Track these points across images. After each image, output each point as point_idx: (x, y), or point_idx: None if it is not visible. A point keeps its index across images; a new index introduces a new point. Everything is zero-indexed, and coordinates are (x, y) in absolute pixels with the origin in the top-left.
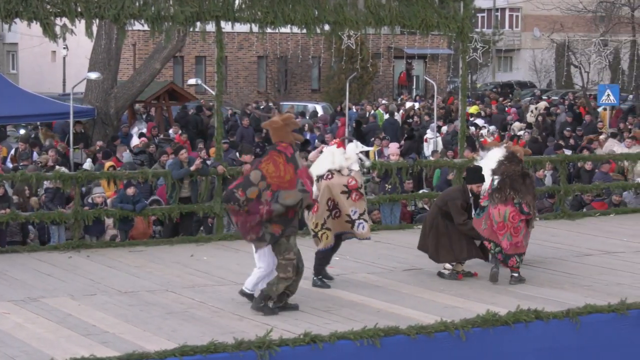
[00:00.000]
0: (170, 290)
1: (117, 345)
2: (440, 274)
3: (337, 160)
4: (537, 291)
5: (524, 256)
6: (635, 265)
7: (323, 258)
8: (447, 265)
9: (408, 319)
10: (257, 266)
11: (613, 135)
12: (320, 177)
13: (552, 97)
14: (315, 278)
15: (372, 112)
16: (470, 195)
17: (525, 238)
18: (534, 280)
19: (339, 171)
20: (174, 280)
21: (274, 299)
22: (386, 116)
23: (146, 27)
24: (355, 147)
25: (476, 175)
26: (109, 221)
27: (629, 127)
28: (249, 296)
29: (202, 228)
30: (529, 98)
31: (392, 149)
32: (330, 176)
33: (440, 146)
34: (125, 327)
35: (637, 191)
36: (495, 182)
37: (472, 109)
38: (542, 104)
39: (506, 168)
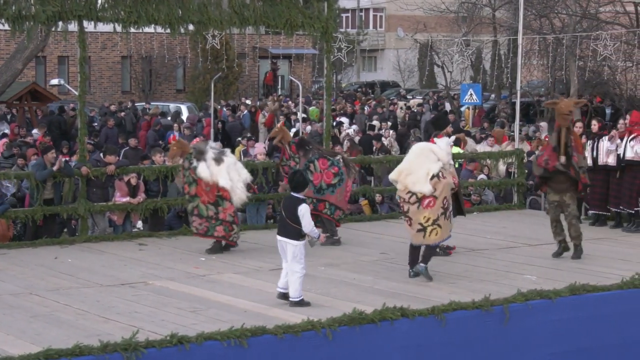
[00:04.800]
0: (34, 293)
1: None
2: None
3: (443, 157)
4: (403, 288)
5: None
6: (498, 262)
7: (433, 251)
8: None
9: (275, 319)
10: (290, 270)
11: (467, 134)
12: (435, 176)
13: (416, 97)
14: (422, 267)
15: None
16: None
17: None
18: (399, 277)
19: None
20: (38, 283)
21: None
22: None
23: (7, 27)
24: (447, 142)
25: (444, 119)
26: None
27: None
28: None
29: (65, 230)
30: (393, 97)
31: (258, 149)
32: (444, 175)
33: None
34: None
35: (500, 189)
36: (342, 162)
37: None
38: (415, 102)
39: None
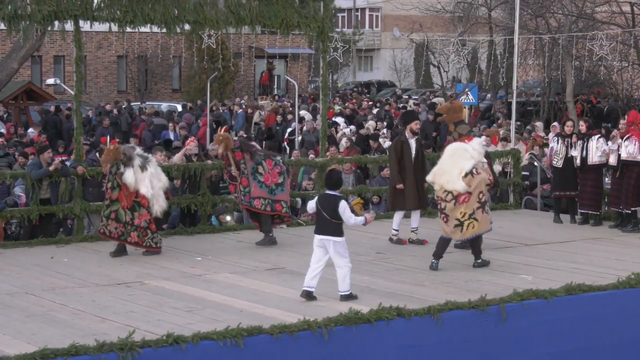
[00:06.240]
0: (30, 293)
1: None
2: (390, 240)
3: (475, 155)
4: (399, 288)
5: None
6: (494, 261)
7: (478, 244)
8: (393, 231)
9: (271, 319)
10: (337, 266)
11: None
12: (469, 173)
13: (413, 96)
14: (477, 263)
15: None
16: (412, 134)
17: None
18: (395, 277)
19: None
20: (34, 283)
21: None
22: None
23: (2, 26)
24: (480, 142)
25: (411, 115)
26: None
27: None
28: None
29: (61, 229)
30: (389, 97)
31: None
32: (477, 171)
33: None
34: None
35: (496, 189)
36: (282, 163)
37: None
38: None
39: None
